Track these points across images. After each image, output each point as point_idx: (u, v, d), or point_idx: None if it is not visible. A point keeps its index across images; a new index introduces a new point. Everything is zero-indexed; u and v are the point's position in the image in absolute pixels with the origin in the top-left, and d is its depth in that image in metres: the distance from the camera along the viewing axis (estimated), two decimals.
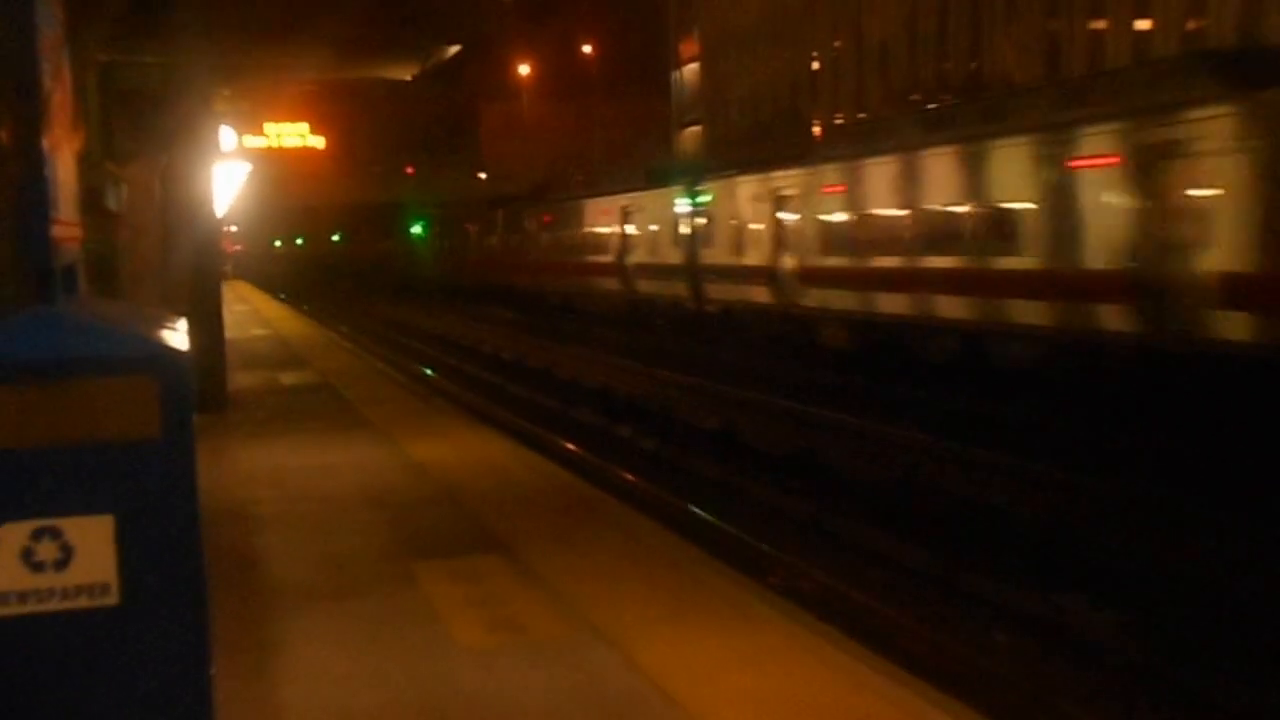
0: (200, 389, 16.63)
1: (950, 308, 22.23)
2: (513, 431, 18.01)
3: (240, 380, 20.13)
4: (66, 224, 4.02)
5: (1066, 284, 19.29)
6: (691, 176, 35.27)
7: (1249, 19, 34.33)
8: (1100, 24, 41.44)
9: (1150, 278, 17.55)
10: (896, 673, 6.60)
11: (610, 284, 41.62)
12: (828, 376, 24.66)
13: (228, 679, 3.52)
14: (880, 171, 24.85)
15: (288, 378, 21.80)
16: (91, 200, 12.16)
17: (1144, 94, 18.60)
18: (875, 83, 51.43)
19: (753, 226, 30.42)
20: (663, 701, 6.01)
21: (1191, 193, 17.00)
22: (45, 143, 3.89)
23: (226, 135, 21.92)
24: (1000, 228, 20.81)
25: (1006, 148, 20.93)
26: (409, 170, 71.45)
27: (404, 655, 6.86)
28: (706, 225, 33.91)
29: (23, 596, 3.24)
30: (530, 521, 10.09)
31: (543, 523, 10.03)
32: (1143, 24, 41.48)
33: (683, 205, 35.35)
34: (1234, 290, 16.25)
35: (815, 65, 57.05)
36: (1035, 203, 20.01)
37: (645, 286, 38.46)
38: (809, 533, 13.37)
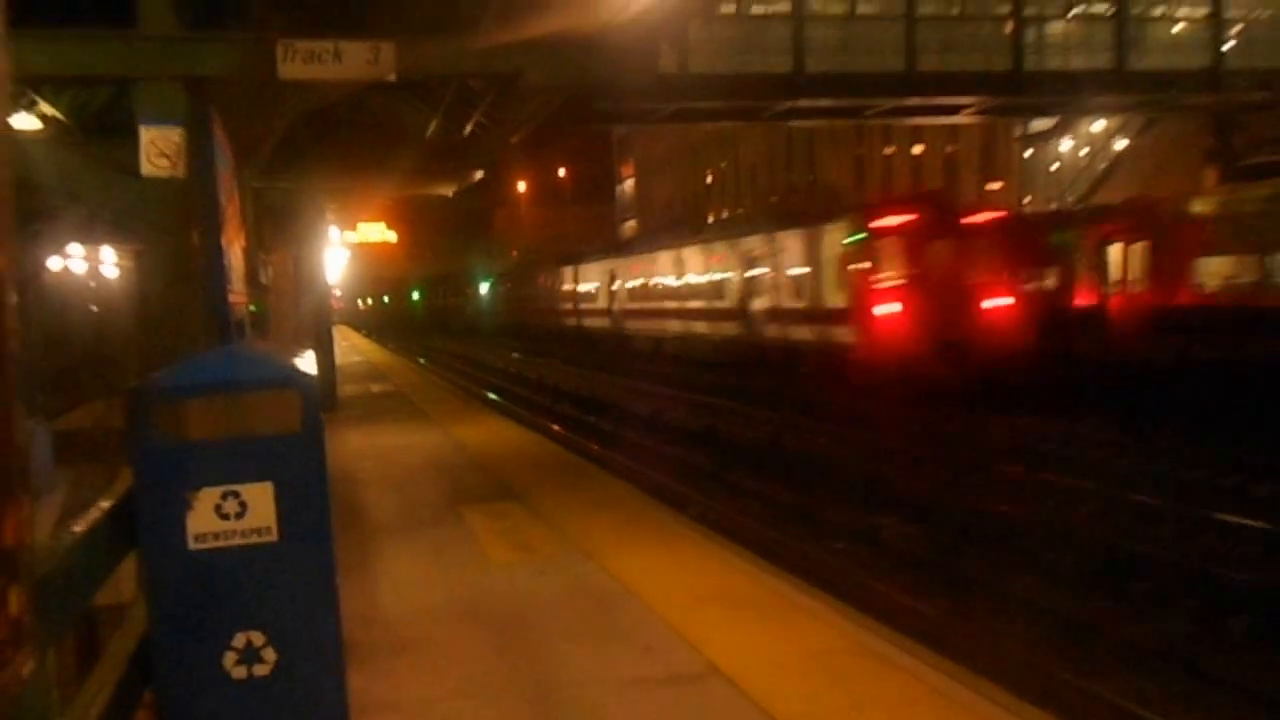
0: (321, 396, 16.73)
1: (689, 329, 27.49)
2: (526, 423, 17.72)
3: (345, 390, 19.91)
4: (238, 294, 4.01)
5: (723, 315, 25.18)
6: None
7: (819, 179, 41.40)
8: (890, 150, 41.81)
9: (744, 309, 23.75)
10: (770, 568, 6.59)
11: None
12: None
13: (344, 586, 3.51)
14: (664, 256, 30.27)
15: (376, 388, 21.52)
16: (251, 277, 12.00)
17: (755, 224, 25.13)
18: (747, 190, 51.64)
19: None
20: (626, 593, 5.95)
21: (755, 273, 23.20)
22: (224, 240, 3.88)
23: (333, 232, 21.98)
24: (713, 287, 26.05)
25: (702, 245, 27.26)
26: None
27: (456, 568, 6.76)
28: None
29: (217, 535, 3.21)
30: (536, 479, 9.92)
31: (545, 480, 9.85)
32: (918, 149, 41.95)
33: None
34: (776, 315, 21.86)
35: (709, 179, 57.23)
36: (722, 274, 25.34)
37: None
38: (713, 480, 13.23)
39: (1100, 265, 17.69)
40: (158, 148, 5.85)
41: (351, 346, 44.29)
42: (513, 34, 8.24)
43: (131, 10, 7.08)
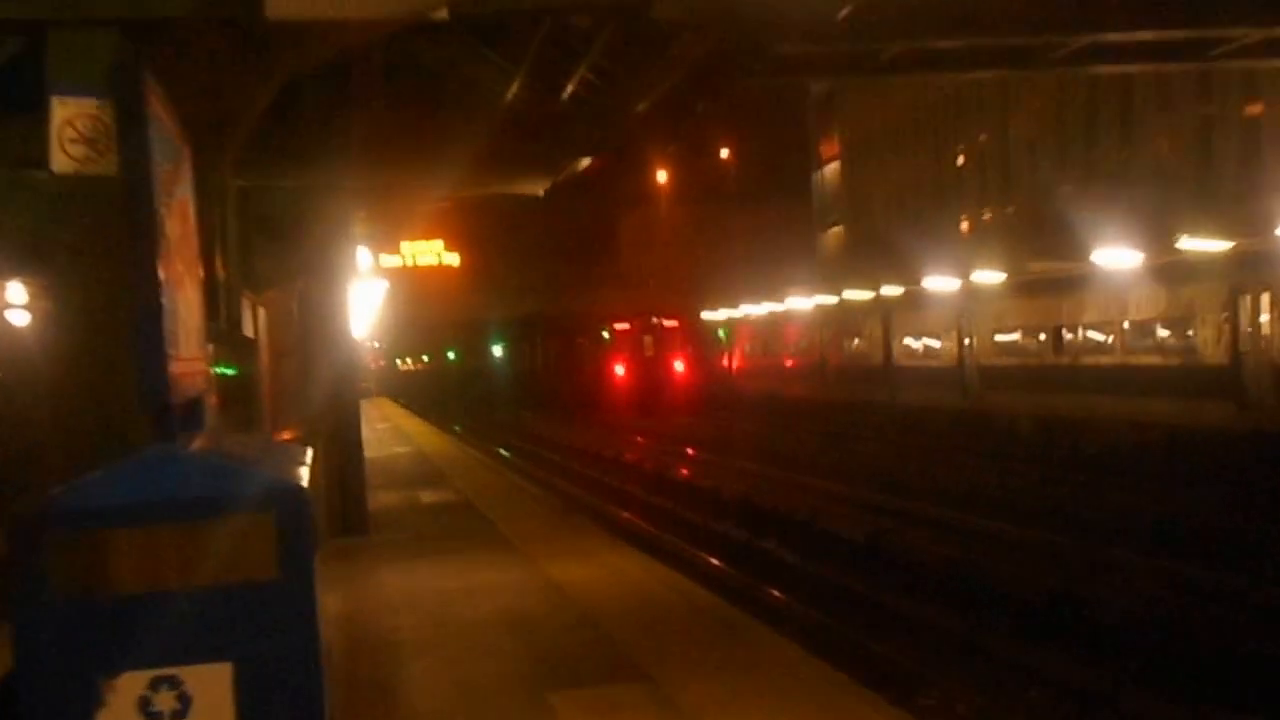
0: (342, 511, 16.87)
1: None
2: (652, 547, 18.23)
3: (382, 499, 20.38)
4: (188, 360, 4.02)
5: None
6: None
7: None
8: (1255, 108, 40.58)
9: None
10: None
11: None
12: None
13: None
14: None
15: (428, 496, 22.05)
16: (230, 328, 12.37)
17: None
18: (1023, 176, 50.95)
19: None
20: None
21: None
22: (164, 278, 3.88)
23: (363, 256, 22.23)
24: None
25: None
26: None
27: None
28: None
29: None
30: (677, 646, 9.95)
31: (690, 649, 9.88)
32: None
33: None
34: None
35: (959, 160, 56.77)
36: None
37: None
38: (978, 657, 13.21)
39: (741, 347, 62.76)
40: (75, 130, 5.93)
41: (394, 429, 45.61)
42: None
43: None
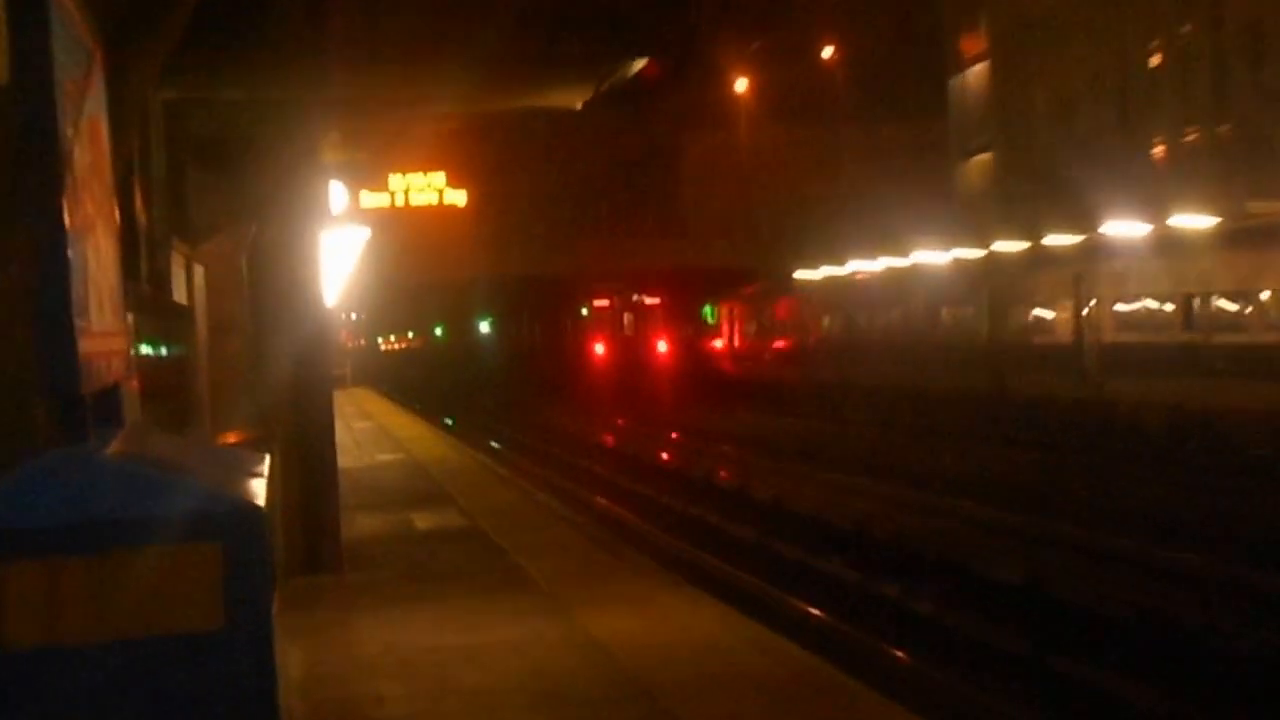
0: (308, 541, 17.08)
1: None
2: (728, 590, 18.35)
3: (362, 525, 20.49)
4: (103, 334, 4.01)
5: None
6: None
7: None
8: None
9: None
10: None
11: None
12: None
13: None
14: None
15: (423, 519, 22.20)
16: (155, 291, 12.40)
17: None
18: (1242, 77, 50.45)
19: None
20: None
21: None
22: (69, 227, 3.83)
23: (337, 193, 21.95)
24: None
25: None
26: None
27: None
28: None
29: None
30: None
31: None
32: None
33: None
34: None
35: (1154, 59, 56.33)
36: None
37: None
38: None
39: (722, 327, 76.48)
40: None
41: (378, 430, 45.94)
42: None
43: None
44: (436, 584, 16.68)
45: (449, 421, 58.17)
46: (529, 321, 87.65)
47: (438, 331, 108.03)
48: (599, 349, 76.28)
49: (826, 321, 63.82)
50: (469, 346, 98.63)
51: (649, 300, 75.64)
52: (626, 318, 76.15)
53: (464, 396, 77.10)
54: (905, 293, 55.04)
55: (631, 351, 75.04)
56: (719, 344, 74.59)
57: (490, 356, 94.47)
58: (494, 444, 47.66)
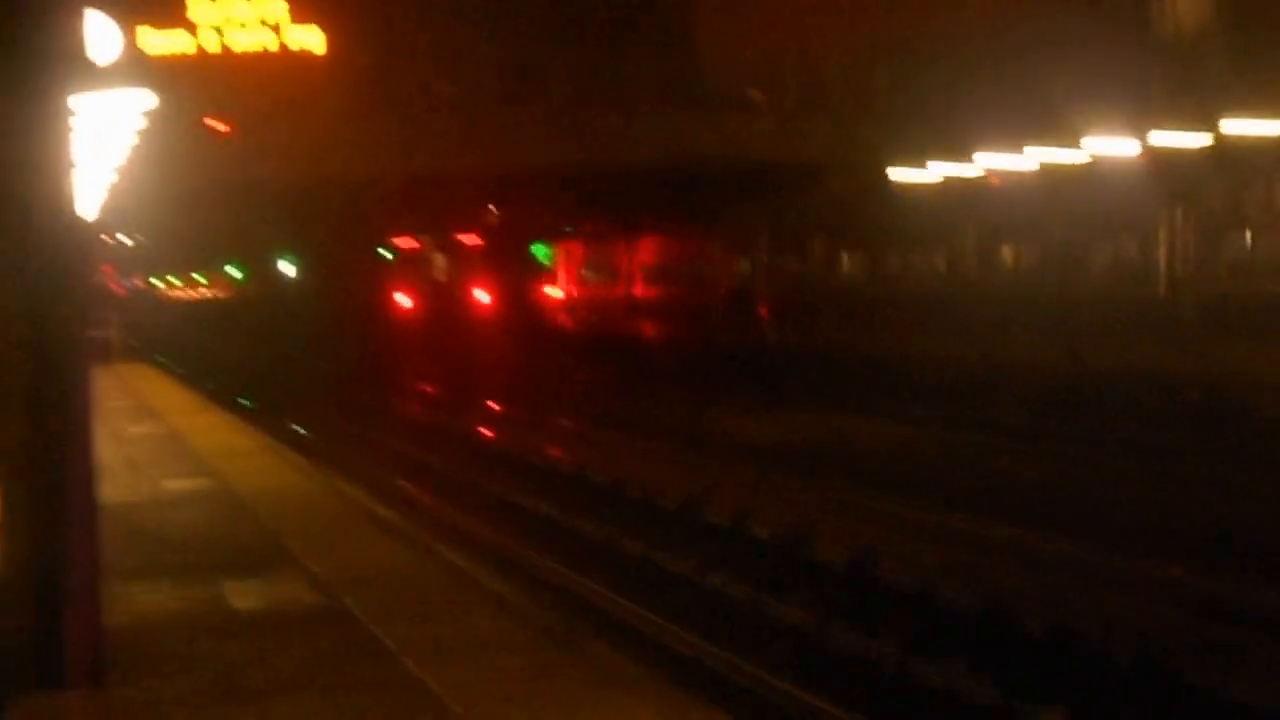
0: (44, 633, 13.58)
1: None
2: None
3: (141, 604, 16.87)
4: None
5: None
6: None
7: None
8: None
9: None
10: None
11: None
12: None
13: None
14: None
15: (245, 594, 17.72)
16: None
17: None
18: None
19: None
20: None
21: None
22: None
23: (100, 31, 18.75)
24: None
25: None
26: None
27: None
28: None
29: None
30: None
31: None
32: None
33: None
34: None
35: None
36: None
37: None
38: None
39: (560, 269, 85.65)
40: None
41: (166, 436, 38.15)
42: None
43: None
44: (267, 709, 12.53)
45: (247, 404, 48.38)
46: (321, 262, 78.10)
47: (237, 274, 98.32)
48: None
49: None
50: (272, 296, 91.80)
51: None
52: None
53: (274, 370, 66.63)
54: (1049, 212, 42.26)
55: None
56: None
57: (287, 314, 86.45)
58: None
